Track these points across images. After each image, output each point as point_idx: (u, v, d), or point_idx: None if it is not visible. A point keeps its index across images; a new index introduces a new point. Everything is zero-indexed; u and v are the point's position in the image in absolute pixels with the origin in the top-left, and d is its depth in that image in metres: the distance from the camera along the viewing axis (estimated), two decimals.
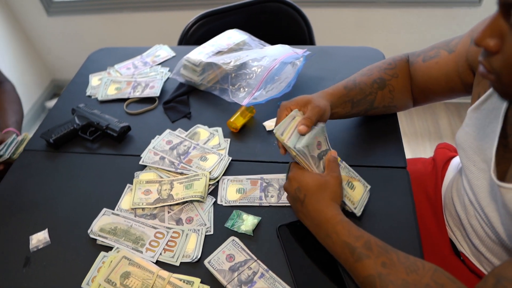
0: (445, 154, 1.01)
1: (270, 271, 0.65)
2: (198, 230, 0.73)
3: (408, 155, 2.04)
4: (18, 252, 0.73)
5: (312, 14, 1.52)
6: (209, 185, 0.81)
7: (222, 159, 0.85)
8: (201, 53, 1.05)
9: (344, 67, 1.09)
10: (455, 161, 0.95)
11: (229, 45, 1.09)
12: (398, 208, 0.74)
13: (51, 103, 2.57)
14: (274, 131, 0.67)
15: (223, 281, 0.64)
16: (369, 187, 0.74)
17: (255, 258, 0.67)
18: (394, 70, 0.83)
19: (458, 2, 1.92)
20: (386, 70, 0.84)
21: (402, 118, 2.24)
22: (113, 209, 0.78)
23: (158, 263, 0.69)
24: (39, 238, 0.75)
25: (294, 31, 1.42)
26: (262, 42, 1.14)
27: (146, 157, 0.87)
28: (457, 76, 0.76)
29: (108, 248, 0.72)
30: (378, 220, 0.73)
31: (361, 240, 0.57)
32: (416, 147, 2.09)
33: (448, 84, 0.78)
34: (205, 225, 0.74)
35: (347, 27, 2.12)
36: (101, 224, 0.75)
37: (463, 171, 0.74)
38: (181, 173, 0.84)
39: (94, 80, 1.14)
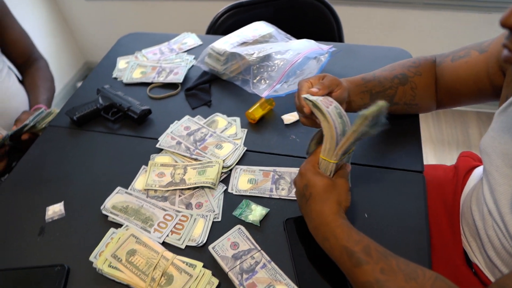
0: (468, 163, 0.98)
1: (272, 263, 0.65)
2: (206, 216, 0.74)
3: (432, 162, 1.99)
4: (35, 221, 0.76)
5: (343, 12, 1.50)
6: (222, 173, 0.81)
7: (237, 149, 0.86)
8: (226, 43, 1.06)
9: (370, 66, 1.07)
10: (478, 171, 0.92)
11: (254, 37, 1.09)
12: (410, 213, 0.73)
13: None
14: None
15: (225, 268, 0.65)
16: None
17: (259, 248, 0.67)
18: (417, 68, 0.81)
19: (497, 8, 1.85)
20: (409, 67, 0.82)
21: (430, 123, 2.19)
22: (127, 189, 0.79)
23: (164, 244, 0.70)
24: (55, 210, 0.77)
25: (323, 28, 1.40)
26: (288, 36, 1.13)
27: (163, 140, 0.89)
28: (487, 77, 0.73)
29: (118, 225, 0.73)
30: (388, 222, 0.71)
31: (360, 245, 0.56)
32: (442, 155, 2.03)
33: (477, 85, 0.76)
34: (214, 211, 0.75)
35: (378, 27, 2.08)
36: (114, 201, 0.77)
37: (486, 178, 0.71)
38: (196, 159, 0.85)
39: (121, 63, 1.17)
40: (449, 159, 2.00)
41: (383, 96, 0.79)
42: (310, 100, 0.63)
